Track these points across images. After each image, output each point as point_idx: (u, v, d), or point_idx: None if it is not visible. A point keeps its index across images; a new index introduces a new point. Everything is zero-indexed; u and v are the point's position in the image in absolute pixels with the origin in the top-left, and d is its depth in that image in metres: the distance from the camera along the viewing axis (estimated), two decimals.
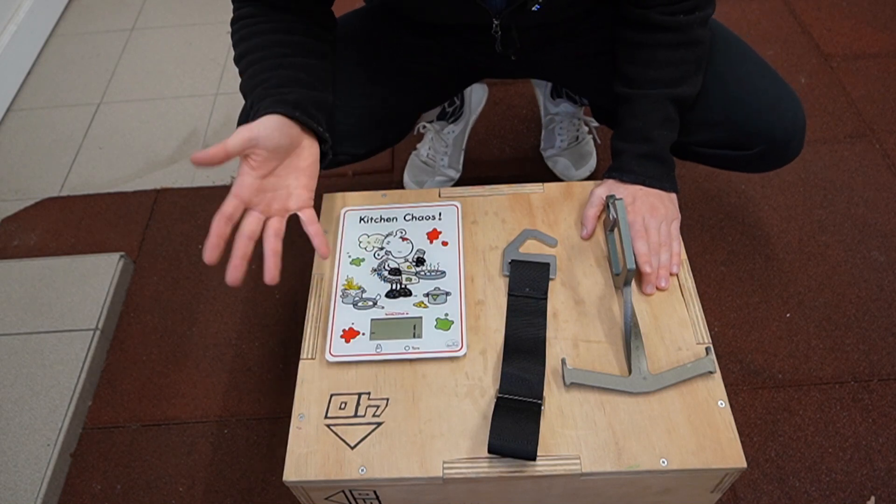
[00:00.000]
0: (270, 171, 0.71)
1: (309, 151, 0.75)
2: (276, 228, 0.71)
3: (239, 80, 0.79)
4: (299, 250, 1.23)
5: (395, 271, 0.80)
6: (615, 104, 0.88)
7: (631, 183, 0.83)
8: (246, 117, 0.75)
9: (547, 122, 1.31)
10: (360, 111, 0.91)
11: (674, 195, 0.84)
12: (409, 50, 0.94)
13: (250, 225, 0.69)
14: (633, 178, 0.83)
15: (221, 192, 1.34)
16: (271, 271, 0.69)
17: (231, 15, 0.82)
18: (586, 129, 1.30)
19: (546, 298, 0.77)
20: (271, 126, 0.70)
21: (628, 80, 0.85)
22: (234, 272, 0.66)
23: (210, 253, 0.65)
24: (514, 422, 0.66)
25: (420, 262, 0.80)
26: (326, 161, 0.79)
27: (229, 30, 0.82)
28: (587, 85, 0.99)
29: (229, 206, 0.67)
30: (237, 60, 0.79)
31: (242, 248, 0.67)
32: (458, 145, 1.30)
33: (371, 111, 0.92)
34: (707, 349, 0.72)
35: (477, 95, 1.35)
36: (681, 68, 0.83)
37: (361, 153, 0.95)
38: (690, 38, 0.82)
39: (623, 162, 0.84)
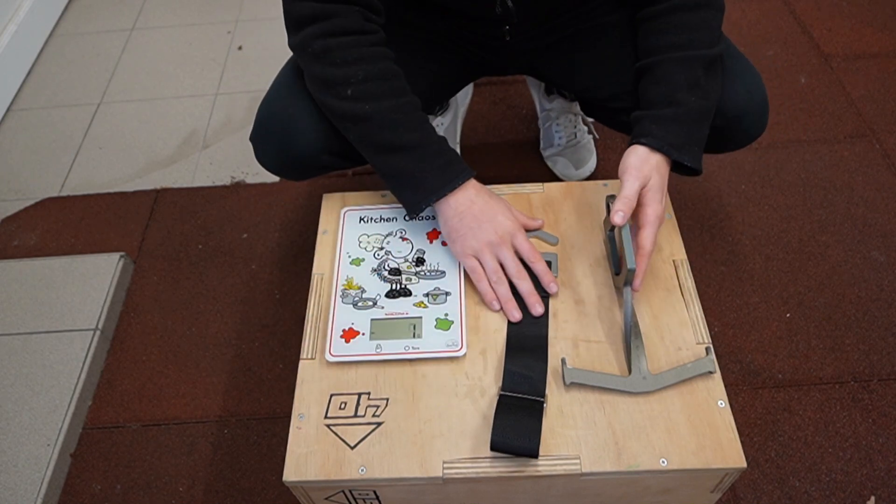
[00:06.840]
0: None
1: None
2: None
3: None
4: (299, 250, 1.23)
5: (395, 271, 0.80)
6: (635, 81, 0.82)
7: (651, 147, 0.74)
8: (412, 182, 0.79)
9: (544, 120, 1.31)
10: None
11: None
12: (406, 51, 0.94)
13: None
14: (653, 143, 0.74)
15: (221, 192, 1.34)
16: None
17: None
18: (584, 127, 1.30)
19: (547, 297, 0.77)
20: None
21: (648, 51, 0.79)
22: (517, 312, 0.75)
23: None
24: (517, 419, 0.66)
25: (420, 262, 0.80)
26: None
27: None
28: (574, 77, 0.97)
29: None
30: (332, 84, 0.77)
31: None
32: (450, 139, 1.29)
33: None
34: (707, 349, 0.72)
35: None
36: (702, 32, 0.77)
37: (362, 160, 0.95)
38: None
39: (643, 127, 0.75)
